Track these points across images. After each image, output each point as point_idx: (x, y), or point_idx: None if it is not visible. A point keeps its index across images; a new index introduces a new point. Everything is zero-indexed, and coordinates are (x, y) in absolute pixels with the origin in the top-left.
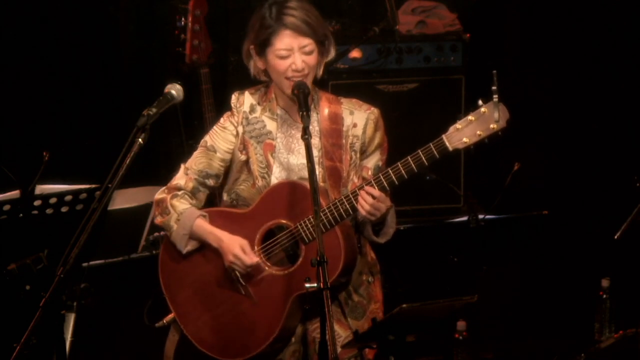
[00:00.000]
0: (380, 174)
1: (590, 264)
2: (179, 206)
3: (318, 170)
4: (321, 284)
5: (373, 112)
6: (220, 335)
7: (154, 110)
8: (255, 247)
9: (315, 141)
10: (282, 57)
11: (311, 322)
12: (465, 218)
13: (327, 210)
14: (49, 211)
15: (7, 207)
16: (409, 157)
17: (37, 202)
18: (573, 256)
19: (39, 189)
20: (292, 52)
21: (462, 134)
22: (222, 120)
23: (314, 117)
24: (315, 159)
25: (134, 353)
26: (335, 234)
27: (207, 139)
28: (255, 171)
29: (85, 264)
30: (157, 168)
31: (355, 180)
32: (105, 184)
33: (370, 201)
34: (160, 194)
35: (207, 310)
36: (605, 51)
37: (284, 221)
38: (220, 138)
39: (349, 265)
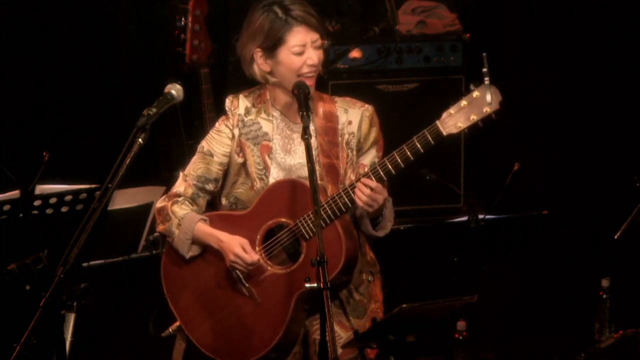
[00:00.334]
0: (376, 164)
1: (590, 264)
2: (179, 212)
3: (316, 169)
4: (321, 284)
5: (367, 109)
6: (226, 339)
7: (154, 110)
8: (257, 248)
9: (312, 140)
10: (297, 54)
11: (312, 323)
12: (465, 218)
13: (325, 205)
14: (49, 211)
15: (7, 207)
16: (404, 146)
17: (37, 202)
18: (573, 256)
19: (39, 189)
20: (306, 48)
21: (456, 118)
22: (217, 124)
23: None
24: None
25: (134, 353)
26: (336, 229)
27: (204, 144)
28: (253, 173)
29: (85, 264)
30: (157, 168)
31: (352, 177)
32: (105, 184)
33: (367, 192)
34: (160, 202)
35: (211, 315)
36: (605, 51)
37: (283, 219)
38: (217, 142)
39: (351, 262)
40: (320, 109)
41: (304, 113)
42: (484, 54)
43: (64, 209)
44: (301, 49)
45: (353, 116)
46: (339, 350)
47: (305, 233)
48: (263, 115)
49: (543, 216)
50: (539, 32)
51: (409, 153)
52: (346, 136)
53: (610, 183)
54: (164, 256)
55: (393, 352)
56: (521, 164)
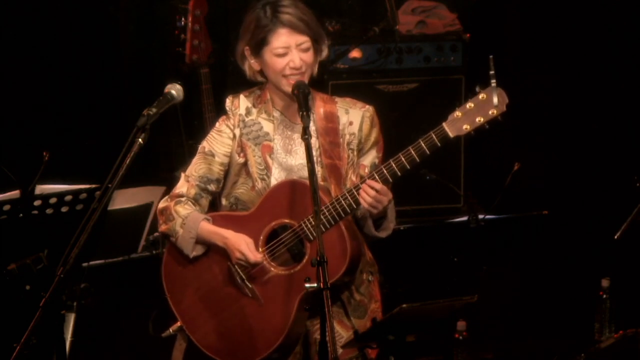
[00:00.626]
0: (382, 166)
1: (590, 264)
2: (182, 211)
3: (318, 169)
4: (321, 284)
5: (368, 110)
6: (228, 340)
7: (154, 110)
8: (260, 249)
9: (312, 140)
10: (280, 55)
11: (312, 323)
12: (465, 218)
13: (330, 206)
14: (49, 211)
15: (7, 207)
16: (410, 147)
17: (37, 202)
18: (573, 256)
19: (39, 189)
20: (290, 50)
21: (462, 121)
22: (217, 124)
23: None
24: (314, 158)
25: (134, 353)
26: (340, 230)
27: (205, 144)
28: (255, 173)
29: (85, 264)
30: (157, 168)
31: (354, 178)
32: (105, 184)
33: (372, 194)
34: (163, 202)
35: (213, 316)
36: (605, 51)
37: (287, 220)
38: (218, 142)
39: (355, 263)
40: (321, 109)
41: (304, 113)
42: (491, 57)
43: (64, 209)
44: (284, 51)
45: (354, 117)
46: (339, 350)
47: (309, 234)
48: (264, 115)
49: (543, 216)
50: (539, 32)
51: (415, 155)
52: (347, 137)
53: (610, 183)
54: (165, 256)
55: (393, 352)
56: (521, 164)
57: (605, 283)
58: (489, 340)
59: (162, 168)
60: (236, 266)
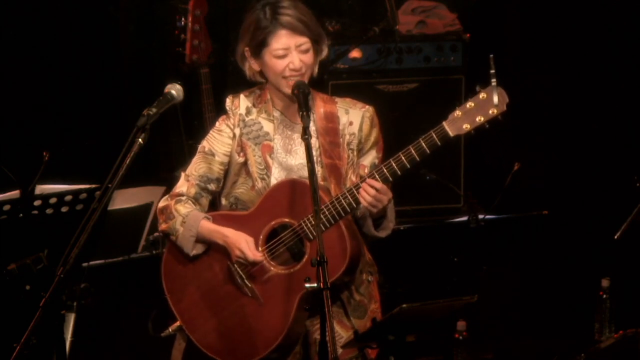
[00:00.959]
0: (382, 165)
1: (590, 264)
2: (183, 210)
3: (318, 169)
4: (321, 284)
5: (368, 110)
6: (228, 339)
7: (154, 110)
8: (260, 248)
9: (312, 140)
10: (279, 57)
11: (312, 323)
12: (465, 218)
13: (330, 205)
14: (49, 211)
15: (7, 207)
16: (410, 147)
17: (37, 202)
18: (573, 256)
19: (39, 189)
20: (289, 51)
21: (463, 120)
22: (217, 124)
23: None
24: (314, 158)
25: (134, 353)
26: (340, 230)
27: (205, 144)
28: (255, 173)
29: (85, 264)
30: (157, 168)
31: (353, 178)
32: (105, 184)
33: (372, 192)
34: (163, 201)
35: (213, 315)
36: (605, 51)
37: (287, 220)
38: (218, 142)
39: (355, 262)
40: (321, 109)
41: (304, 113)
42: (491, 56)
43: (64, 209)
44: (284, 52)
45: (354, 117)
46: (339, 350)
47: (309, 233)
48: (264, 115)
49: (543, 216)
50: (539, 32)
51: (415, 154)
52: (347, 137)
53: (610, 183)
54: (164, 255)
55: (393, 352)
56: (521, 164)
57: (605, 283)
58: (489, 340)
59: (162, 168)
60: (236, 265)
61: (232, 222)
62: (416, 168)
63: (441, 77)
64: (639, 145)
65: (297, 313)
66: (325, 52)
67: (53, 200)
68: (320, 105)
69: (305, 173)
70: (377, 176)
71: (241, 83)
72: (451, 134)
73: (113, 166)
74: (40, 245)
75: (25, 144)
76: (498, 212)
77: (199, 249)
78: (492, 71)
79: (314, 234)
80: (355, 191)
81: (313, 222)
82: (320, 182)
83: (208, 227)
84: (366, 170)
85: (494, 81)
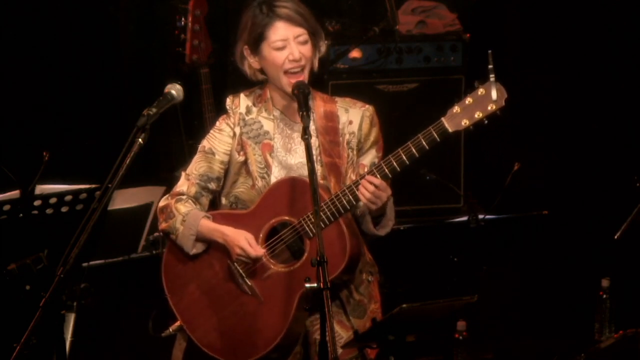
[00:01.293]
0: (381, 162)
1: (590, 264)
2: (183, 209)
3: (317, 168)
4: (321, 284)
5: (368, 109)
6: (228, 338)
7: (154, 110)
8: (260, 246)
9: (312, 139)
10: (278, 49)
11: (312, 323)
12: (465, 218)
13: (329, 203)
14: (49, 211)
15: (7, 207)
16: (409, 142)
17: (37, 202)
18: (573, 256)
19: (39, 189)
20: (288, 43)
21: (461, 116)
22: (218, 123)
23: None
24: (314, 157)
25: (134, 353)
26: (340, 227)
27: (205, 143)
28: (255, 172)
29: (85, 264)
30: (157, 168)
31: (353, 178)
32: (105, 184)
33: (371, 189)
34: (163, 201)
35: (213, 314)
36: (605, 51)
37: (286, 217)
38: (218, 141)
39: (354, 260)
40: (321, 108)
41: (304, 113)
42: (489, 51)
43: (64, 209)
44: (283, 44)
45: (354, 116)
46: (339, 350)
47: (308, 231)
48: (264, 114)
49: (543, 216)
50: (539, 32)
51: (414, 150)
52: (347, 136)
53: (610, 183)
54: (165, 255)
55: (393, 352)
56: (521, 164)
57: (605, 283)
58: (489, 340)
59: (162, 168)
60: (236, 264)
61: (232, 221)
62: (415, 165)
63: (441, 77)
64: (639, 145)
65: (296, 312)
66: (323, 48)
67: (53, 200)
68: (320, 105)
69: (305, 172)
70: (376, 173)
71: (241, 83)
72: (450, 129)
73: (113, 166)
74: (40, 245)
75: (25, 144)
76: (498, 212)
77: (198, 248)
78: (490, 67)
79: (314, 231)
80: (354, 188)
81: (313, 220)
82: (320, 180)
83: (208, 225)
84: (366, 170)
85: (492, 77)
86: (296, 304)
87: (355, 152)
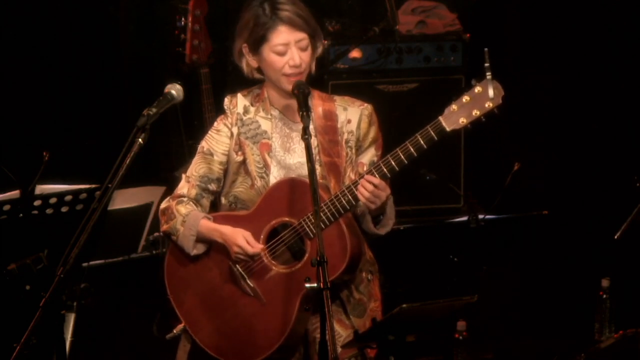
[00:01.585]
0: (379, 161)
1: (590, 264)
2: (183, 210)
3: (317, 167)
4: (321, 284)
5: (367, 108)
6: (232, 339)
7: (154, 110)
8: (262, 247)
9: (311, 139)
10: (279, 53)
11: (312, 322)
12: (465, 218)
13: (329, 203)
14: (49, 211)
15: (7, 207)
16: (407, 142)
17: (37, 202)
18: (573, 256)
19: (39, 189)
20: (289, 47)
21: (459, 114)
22: (215, 123)
23: None
24: (313, 157)
25: (134, 353)
26: (340, 227)
27: (204, 144)
28: (253, 172)
29: (85, 264)
30: (157, 168)
31: (352, 176)
32: (105, 184)
33: (370, 188)
34: (164, 203)
35: (216, 316)
36: (605, 51)
37: (287, 219)
38: (216, 141)
39: (355, 260)
40: (320, 107)
41: (304, 113)
42: (486, 49)
43: (64, 209)
44: (284, 49)
45: (352, 115)
46: (339, 350)
47: (309, 231)
48: (262, 113)
49: (543, 216)
50: (539, 32)
51: (412, 149)
52: (345, 135)
53: (610, 183)
54: (167, 257)
55: (393, 352)
56: (521, 164)
57: (605, 283)
58: (489, 340)
59: (162, 168)
60: (237, 265)
61: (233, 223)
62: (415, 165)
63: (441, 77)
64: (639, 145)
65: (298, 313)
66: (320, 49)
67: (53, 200)
68: (318, 104)
69: (304, 171)
70: (375, 172)
71: (241, 83)
72: (447, 128)
73: (113, 166)
74: (40, 245)
75: (25, 144)
76: (498, 212)
77: (199, 249)
78: (487, 64)
79: (314, 232)
80: (353, 188)
81: (313, 221)
82: (320, 180)
83: (207, 225)
84: (365, 168)
85: (489, 74)
86: (298, 304)
87: (354, 151)
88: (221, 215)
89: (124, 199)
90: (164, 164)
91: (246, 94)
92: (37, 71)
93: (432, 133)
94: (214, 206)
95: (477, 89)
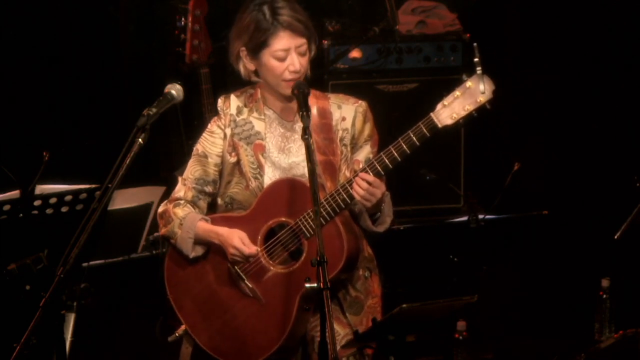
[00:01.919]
0: (373, 159)
1: (590, 264)
2: (180, 213)
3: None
4: (321, 284)
5: (361, 105)
6: (233, 341)
7: (154, 110)
8: (259, 248)
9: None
10: (279, 59)
11: (310, 321)
12: (465, 218)
13: (324, 202)
14: (49, 211)
15: (7, 207)
16: (400, 139)
17: (37, 202)
18: (573, 256)
19: (39, 189)
20: (289, 53)
21: (450, 110)
22: (209, 125)
23: None
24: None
25: (134, 353)
26: (336, 226)
27: (198, 146)
28: (248, 172)
29: (85, 264)
30: (157, 168)
31: (347, 174)
32: (105, 184)
33: (365, 186)
34: (162, 206)
35: (216, 317)
36: (605, 51)
37: (283, 219)
38: (210, 143)
39: (353, 259)
40: (314, 106)
41: (304, 113)
42: (475, 44)
43: (64, 209)
44: (284, 54)
45: (346, 112)
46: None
47: (306, 231)
48: (255, 114)
49: (543, 216)
50: (539, 32)
51: (405, 147)
52: (340, 132)
53: (610, 183)
54: (166, 261)
55: (393, 352)
56: (521, 164)
57: (605, 283)
58: (489, 340)
59: (162, 168)
60: (236, 267)
61: (230, 224)
62: (415, 165)
63: (441, 77)
64: (639, 145)
65: (298, 313)
66: (314, 51)
67: (53, 200)
68: (313, 102)
69: (298, 171)
70: (368, 170)
71: (241, 83)
72: (439, 125)
73: (113, 166)
74: (40, 245)
75: (25, 144)
76: (498, 212)
77: (198, 251)
78: (477, 59)
79: (311, 231)
80: (348, 187)
81: (310, 220)
82: None
83: (204, 227)
84: (361, 166)
85: (479, 69)
86: (297, 304)
87: (349, 149)
88: (219, 216)
89: (124, 199)
90: (164, 164)
91: (239, 95)
92: (37, 71)
93: (424, 130)
94: (212, 207)
95: (468, 84)
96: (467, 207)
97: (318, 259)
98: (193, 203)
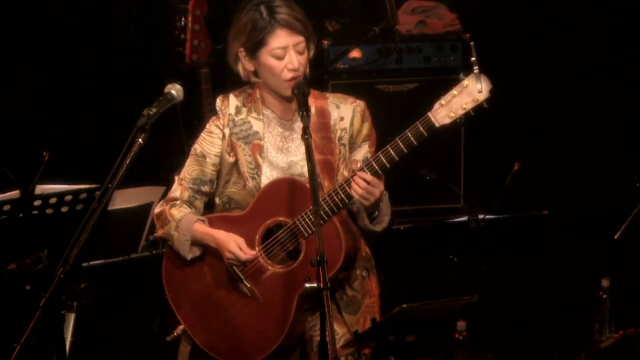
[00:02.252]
0: (371, 159)
1: (590, 264)
2: (177, 214)
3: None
4: (321, 284)
5: (359, 105)
6: (232, 340)
7: (154, 110)
8: (256, 247)
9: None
10: (278, 57)
11: (308, 320)
12: (465, 218)
13: (322, 202)
14: (49, 211)
15: (7, 207)
16: (397, 139)
17: (37, 202)
18: (573, 256)
19: (39, 189)
20: (287, 51)
21: (448, 109)
22: (208, 125)
23: None
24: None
25: (134, 353)
26: (334, 226)
27: (196, 146)
28: (245, 172)
29: (85, 264)
30: (157, 168)
31: (345, 173)
32: (105, 184)
33: (363, 185)
34: (159, 207)
35: (215, 317)
36: (605, 51)
37: (281, 218)
38: (208, 143)
39: (351, 258)
40: (313, 105)
41: (304, 113)
42: (472, 43)
43: (64, 209)
44: (282, 53)
45: (345, 112)
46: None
47: (304, 231)
48: (253, 114)
49: (543, 216)
50: (539, 32)
51: (402, 146)
52: (338, 132)
53: (610, 183)
54: (164, 262)
55: (393, 352)
56: (521, 164)
57: (605, 283)
58: (489, 340)
59: (162, 168)
60: (234, 267)
61: (228, 224)
62: (415, 165)
63: (441, 77)
64: (639, 145)
65: (296, 312)
66: (313, 50)
67: (53, 200)
68: (311, 102)
69: (297, 170)
70: (366, 170)
71: (241, 83)
72: (437, 124)
73: (113, 166)
74: (40, 245)
75: (25, 144)
76: (498, 212)
77: (195, 252)
78: (474, 59)
79: (309, 231)
80: (346, 186)
81: (308, 220)
82: None
83: (201, 230)
84: (359, 165)
85: (476, 68)
86: (296, 304)
87: (347, 148)
88: (216, 216)
89: (124, 199)
90: (164, 164)
91: (238, 94)
92: (37, 71)
93: (422, 129)
94: (209, 206)
95: (465, 82)
96: (467, 207)
97: (318, 259)
98: (189, 203)
